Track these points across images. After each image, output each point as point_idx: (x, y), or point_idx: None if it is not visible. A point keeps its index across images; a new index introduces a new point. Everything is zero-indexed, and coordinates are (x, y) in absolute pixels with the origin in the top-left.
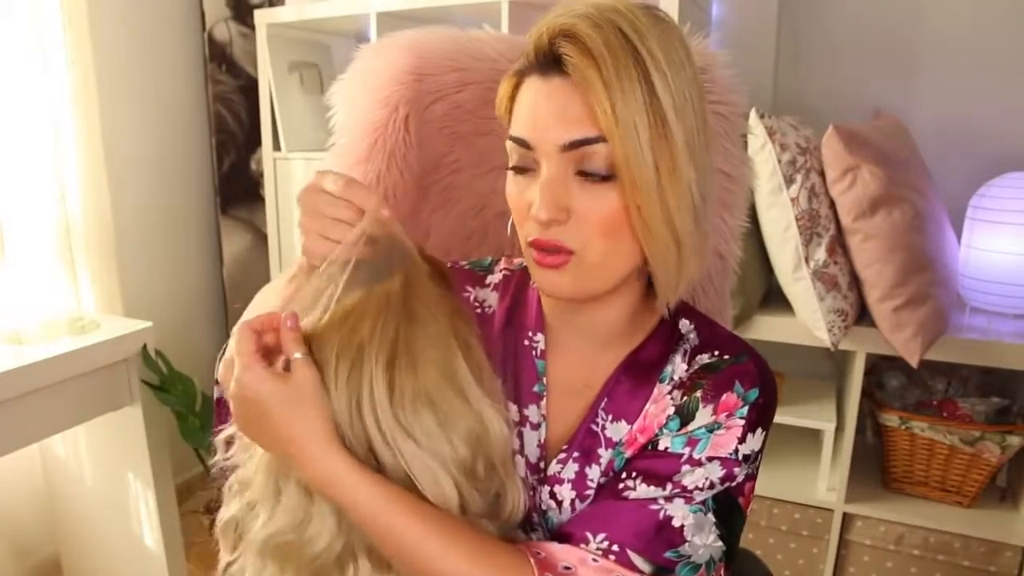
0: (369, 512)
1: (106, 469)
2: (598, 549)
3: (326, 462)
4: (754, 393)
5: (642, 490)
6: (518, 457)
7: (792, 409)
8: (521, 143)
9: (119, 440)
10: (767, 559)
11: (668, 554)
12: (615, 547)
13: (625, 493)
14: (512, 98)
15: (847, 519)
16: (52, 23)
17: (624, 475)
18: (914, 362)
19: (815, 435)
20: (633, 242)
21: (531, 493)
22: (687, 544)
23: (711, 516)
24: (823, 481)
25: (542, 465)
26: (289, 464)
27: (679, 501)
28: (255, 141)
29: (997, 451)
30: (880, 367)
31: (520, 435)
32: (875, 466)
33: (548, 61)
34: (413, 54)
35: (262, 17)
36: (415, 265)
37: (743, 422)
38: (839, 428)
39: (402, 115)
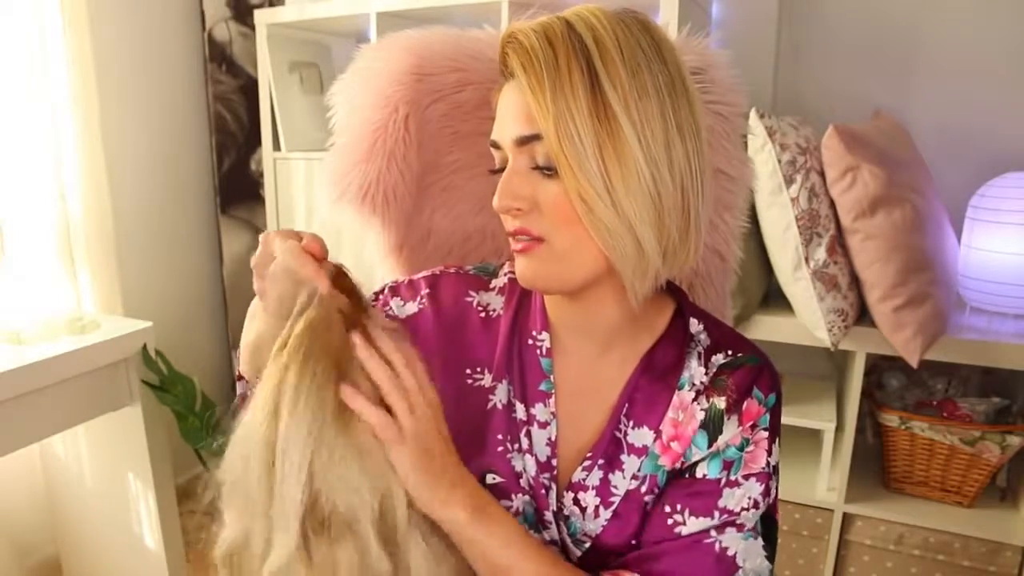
0: (502, 540)
1: (106, 469)
2: None
3: (478, 489)
4: (773, 398)
5: (692, 523)
6: (527, 456)
7: (792, 409)
8: (493, 144)
9: (119, 440)
10: None
11: None
12: None
13: (677, 529)
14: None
15: (847, 519)
16: (52, 23)
17: (669, 508)
18: (914, 362)
19: (815, 435)
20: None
21: (543, 492)
22: (740, 571)
23: (759, 540)
24: (823, 481)
25: (554, 463)
26: (438, 499)
27: (732, 531)
28: (255, 141)
29: (997, 451)
30: (880, 367)
31: (528, 434)
32: (875, 466)
33: (505, 65)
34: (413, 54)
35: (262, 17)
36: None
37: (767, 434)
38: (839, 428)
39: (402, 115)
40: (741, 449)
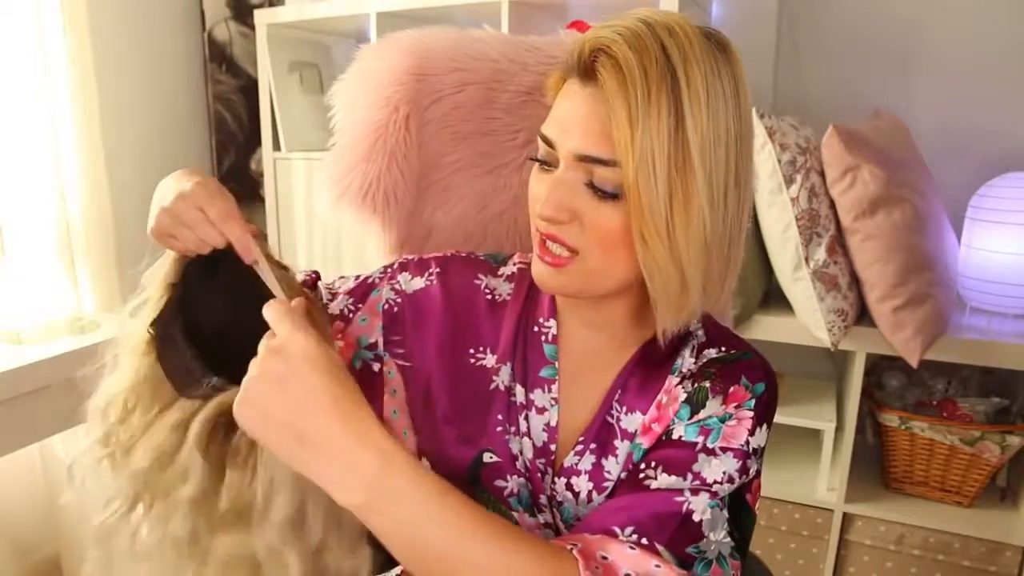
0: (418, 501)
1: None
2: (627, 542)
3: (382, 441)
4: (761, 387)
5: (663, 480)
6: (524, 439)
7: (792, 409)
8: (546, 140)
9: None
10: (767, 559)
11: (690, 549)
12: (643, 540)
13: (647, 483)
14: (557, 91)
15: (847, 519)
16: (52, 24)
17: (643, 466)
18: (914, 362)
19: (815, 435)
20: (632, 259)
21: (538, 475)
22: (704, 540)
23: (725, 512)
24: (823, 481)
25: (553, 448)
26: (312, 457)
27: (704, 495)
28: (255, 141)
29: (997, 451)
30: (880, 367)
31: (527, 418)
32: (875, 466)
33: (586, 70)
34: (413, 54)
35: (262, 17)
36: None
37: (752, 414)
38: (839, 428)
39: (402, 115)
40: (722, 421)
